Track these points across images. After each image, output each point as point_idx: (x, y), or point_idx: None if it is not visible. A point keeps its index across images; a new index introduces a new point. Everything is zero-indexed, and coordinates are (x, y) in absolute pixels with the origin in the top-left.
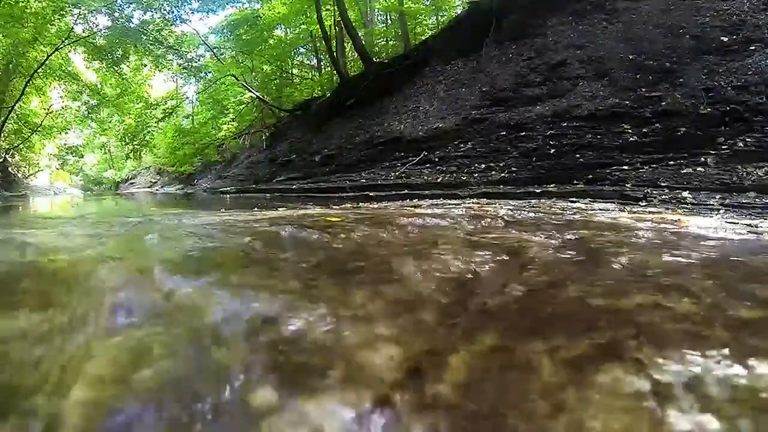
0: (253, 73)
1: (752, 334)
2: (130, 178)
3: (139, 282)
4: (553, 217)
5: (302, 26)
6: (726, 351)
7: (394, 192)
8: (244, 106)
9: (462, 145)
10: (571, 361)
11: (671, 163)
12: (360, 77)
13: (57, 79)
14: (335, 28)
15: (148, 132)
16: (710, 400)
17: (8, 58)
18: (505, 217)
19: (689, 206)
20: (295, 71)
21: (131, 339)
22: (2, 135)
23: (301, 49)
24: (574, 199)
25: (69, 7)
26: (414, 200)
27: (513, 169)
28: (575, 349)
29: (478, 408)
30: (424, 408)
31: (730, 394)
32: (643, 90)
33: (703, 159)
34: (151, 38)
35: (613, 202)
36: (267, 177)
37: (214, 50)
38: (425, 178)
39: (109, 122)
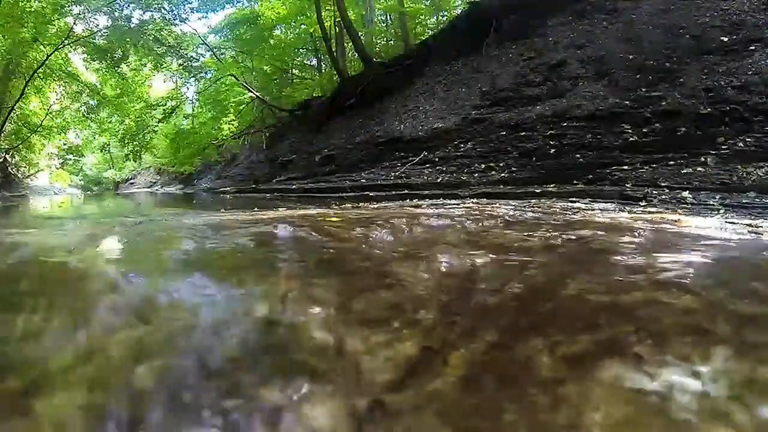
0: (253, 73)
1: (753, 329)
2: (130, 178)
3: (138, 282)
4: (553, 216)
5: (302, 26)
6: (727, 345)
7: (394, 192)
8: (244, 106)
9: (462, 145)
10: (571, 357)
11: (671, 163)
12: (360, 77)
13: (57, 79)
14: (335, 28)
15: (148, 132)
16: (711, 394)
17: (8, 58)
18: (506, 217)
19: (689, 206)
20: (295, 71)
21: (130, 339)
22: (2, 135)
23: (301, 50)
24: (574, 199)
25: (69, 5)
26: (414, 200)
27: (513, 169)
28: (575, 345)
29: (478, 403)
30: (424, 404)
31: (731, 387)
32: (643, 90)
33: (703, 159)
34: (150, 38)
35: (613, 202)
36: (267, 177)
37: (214, 50)
38: (425, 178)
39: (109, 122)
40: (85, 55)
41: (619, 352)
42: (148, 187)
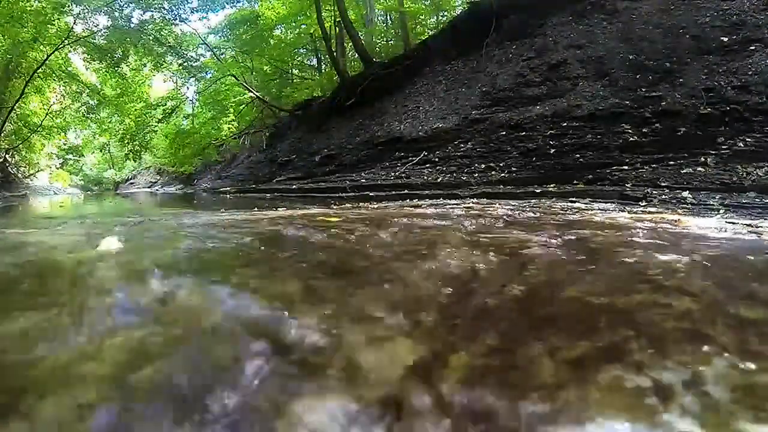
0: (253, 73)
1: (753, 333)
2: (130, 178)
3: (139, 282)
4: (553, 217)
5: (302, 26)
6: (727, 349)
7: (394, 192)
8: (244, 106)
9: (462, 145)
10: (571, 361)
11: (671, 163)
12: (360, 77)
13: (57, 79)
14: (335, 28)
15: (148, 132)
16: (711, 398)
17: (8, 58)
18: (505, 217)
19: (689, 206)
20: (295, 71)
21: (131, 339)
22: (2, 135)
23: (301, 50)
24: (574, 199)
25: (69, 5)
26: (414, 200)
27: (513, 169)
28: (575, 349)
29: (478, 407)
30: (424, 408)
31: (731, 392)
32: (643, 90)
33: (703, 159)
34: (150, 38)
35: (613, 202)
36: (267, 177)
37: (214, 50)
38: (425, 178)
39: (109, 122)
40: (85, 55)
41: (619, 357)
42: (148, 187)
